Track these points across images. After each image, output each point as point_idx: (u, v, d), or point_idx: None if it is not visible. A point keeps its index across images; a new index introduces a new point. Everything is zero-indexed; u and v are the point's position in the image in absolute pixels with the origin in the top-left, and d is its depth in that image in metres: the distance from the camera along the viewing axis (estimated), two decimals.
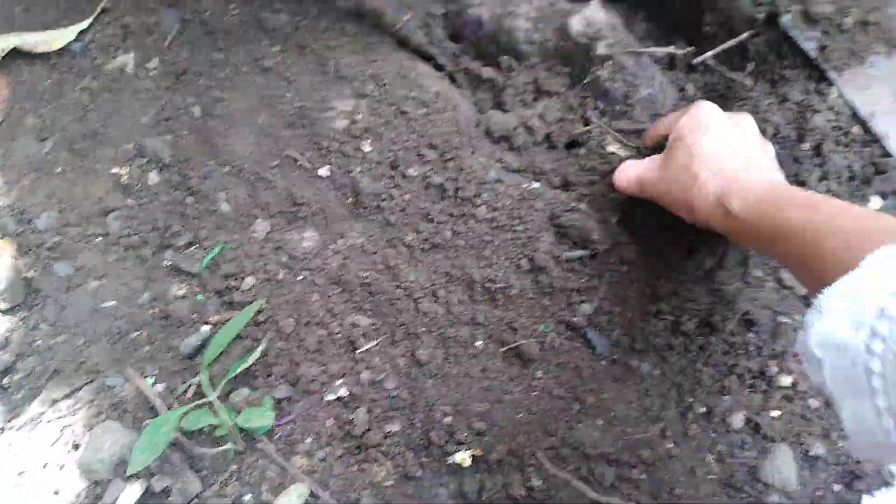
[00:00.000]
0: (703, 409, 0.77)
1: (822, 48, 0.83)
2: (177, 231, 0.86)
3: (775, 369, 0.77)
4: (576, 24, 0.91)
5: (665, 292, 0.79)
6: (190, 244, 0.86)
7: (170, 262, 0.85)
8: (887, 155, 0.80)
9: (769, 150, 0.74)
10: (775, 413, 0.77)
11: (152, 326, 0.84)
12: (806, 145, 0.81)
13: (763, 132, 0.82)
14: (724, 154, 0.68)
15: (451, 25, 1.03)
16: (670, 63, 0.97)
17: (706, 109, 0.72)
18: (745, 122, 0.73)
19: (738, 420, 0.77)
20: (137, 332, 0.83)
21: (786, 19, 0.85)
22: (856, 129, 0.81)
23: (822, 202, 0.59)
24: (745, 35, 0.90)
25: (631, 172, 0.78)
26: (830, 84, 0.82)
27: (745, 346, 0.78)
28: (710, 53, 0.92)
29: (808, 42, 0.83)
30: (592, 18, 0.91)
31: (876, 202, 0.80)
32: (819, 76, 0.83)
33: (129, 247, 0.86)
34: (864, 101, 0.81)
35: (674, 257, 0.80)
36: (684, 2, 0.97)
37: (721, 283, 0.78)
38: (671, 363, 0.79)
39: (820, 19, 0.83)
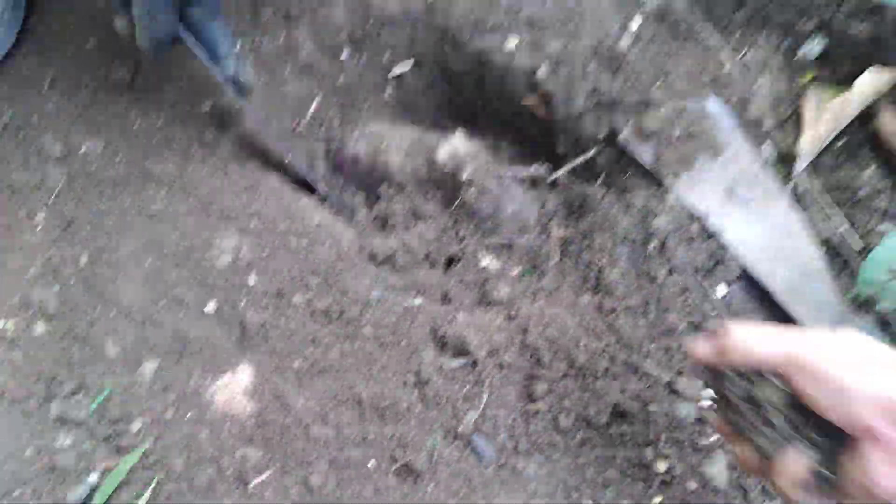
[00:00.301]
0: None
1: (658, 158, 0.93)
2: (62, 379, 0.86)
3: (651, 456, 0.81)
4: (441, 154, 1.00)
5: (541, 392, 0.83)
6: (76, 391, 0.86)
7: (56, 413, 0.84)
8: (725, 247, 0.89)
9: None
10: (657, 500, 0.81)
11: (38, 480, 0.82)
12: (653, 244, 0.89)
13: (613, 237, 0.90)
14: None
15: (332, 160, 1.11)
16: (532, 182, 1.06)
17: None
18: None
19: None
20: (22, 489, 0.81)
21: (623, 135, 0.95)
22: (694, 227, 0.90)
23: None
24: (591, 152, 1.00)
25: (766, 333, 0.59)
26: (668, 189, 0.92)
27: (621, 437, 0.82)
28: (562, 170, 1.01)
29: (645, 154, 0.94)
30: (455, 149, 0.99)
31: (722, 289, 0.88)
32: (658, 182, 0.93)
33: (14, 401, 0.85)
34: (697, 202, 0.90)
35: (543, 353, 0.84)
36: (540, 127, 1.07)
37: (592, 376, 0.83)
38: (555, 461, 0.82)
39: (651, 133, 0.94)
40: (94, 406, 0.84)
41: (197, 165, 1.04)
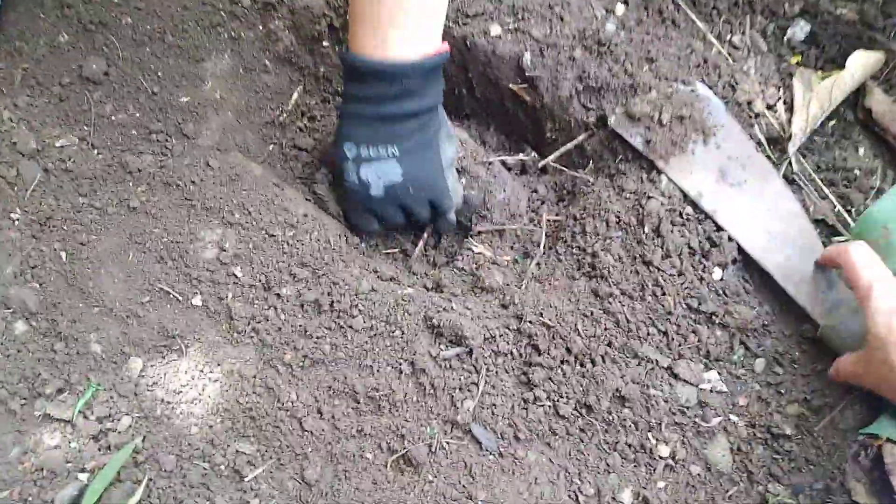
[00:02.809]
0: (592, 491, 0.79)
1: (648, 141, 0.92)
2: (46, 378, 0.83)
3: (653, 441, 0.81)
4: None
5: (539, 379, 0.82)
6: (61, 390, 0.83)
7: (41, 412, 0.81)
8: (720, 229, 0.89)
9: None
10: (661, 484, 0.80)
11: (25, 482, 0.79)
12: (646, 228, 0.88)
13: (606, 222, 0.90)
14: None
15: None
16: (522, 168, 1.05)
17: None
18: None
19: (626, 497, 0.79)
20: (8, 491, 0.78)
21: (612, 120, 0.95)
22: (688, 210, 0.89)
23: None
24: (581, 137, 0.99)
25: (845, 369, 0.80)
26: (659, 172, 0.91)
27: (623, 423, 0.81)
28: (552, 157, 1.01)
29: (635, 137, 0.93)
30: None
31: (717, 273, 0.88)
32: (649, 166, 0.92)
33: None
34: (690, 184, 0.90)
35: (540, 340, 0.83)
36: (527, 114, 1.06)
37: (590, 362, 0.82)
38: (556, 448, 0.81)
39: (641, 117, 0.93)
40: (80, 404, 0.81)
41: (177, 158, 1.01)
